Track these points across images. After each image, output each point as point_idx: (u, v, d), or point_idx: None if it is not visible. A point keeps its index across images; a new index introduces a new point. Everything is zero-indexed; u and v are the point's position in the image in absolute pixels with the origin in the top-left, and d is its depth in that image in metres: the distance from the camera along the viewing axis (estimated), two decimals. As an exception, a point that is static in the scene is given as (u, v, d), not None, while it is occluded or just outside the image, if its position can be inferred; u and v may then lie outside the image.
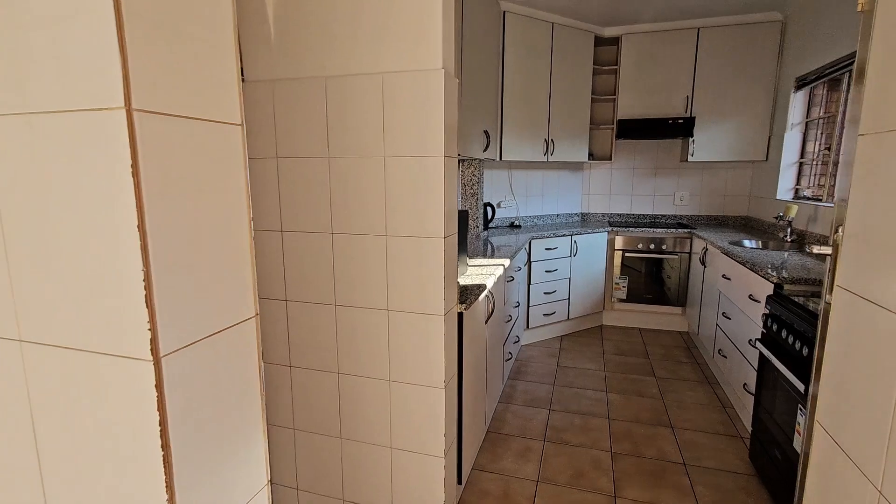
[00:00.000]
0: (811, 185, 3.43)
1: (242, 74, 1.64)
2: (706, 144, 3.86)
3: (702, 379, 3.08)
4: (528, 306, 3.57)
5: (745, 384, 2.42)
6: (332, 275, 1.58)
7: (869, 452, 0.85)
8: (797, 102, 3.48)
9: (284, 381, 1.72)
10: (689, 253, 3.79)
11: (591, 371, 3.20)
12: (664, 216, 4.36)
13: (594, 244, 3.86)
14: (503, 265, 2.39)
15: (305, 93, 1.50)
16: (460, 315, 1.69)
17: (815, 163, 3.42)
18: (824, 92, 3.44)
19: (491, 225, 3.90)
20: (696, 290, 3.60)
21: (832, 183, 3.08)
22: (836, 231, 0.91)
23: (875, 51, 0.84)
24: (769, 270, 2.16)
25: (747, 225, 4.08)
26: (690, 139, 3.86)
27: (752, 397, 2.25)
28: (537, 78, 3.64)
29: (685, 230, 3.78)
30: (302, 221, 1.58)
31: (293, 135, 1.54)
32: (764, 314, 2.05)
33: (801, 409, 1.71)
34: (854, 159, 1.15)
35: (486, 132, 2.87)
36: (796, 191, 3.53)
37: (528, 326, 3.62)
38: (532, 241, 3.48)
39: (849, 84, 3.15)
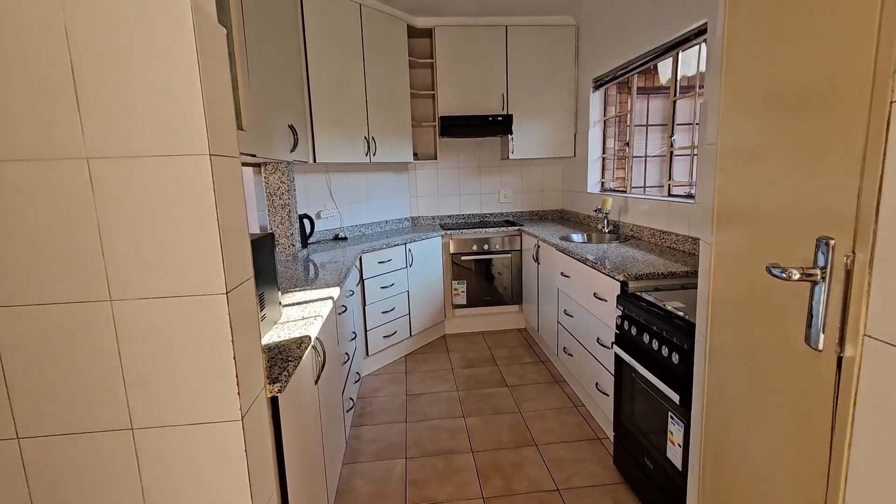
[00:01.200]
0: (614, 178, 3.72)
1: None
2: (523, 142, 3.90)
3: (549, 379, 3.03)
4: (366, 331, 3.07)
5: (597, 383, 2.36)
6: (3, 383, 0.83)
7: None
8: (595, 102, 3.73)
9: None
10: (521, 250, 3.78)
11: (444, 394, 2.87)
12: (492, 214, 4.33)
13: (429, 250, 3.56)
14: (332, 297, 1.84)
15: None
16: (274, 400, 1.10)
17: (615, 157, 3.72)
18: (616, 93, 3.76)
19: (311, 240, 3.27)
20: (531, 288, 3.59)
21: (632, 175, 3.34)
22: (826, 246, 0.64)
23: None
24: (612, 268, 2.09)
25: (564, 217, 4.30)
26: (510, 137, 3.85)
27: (609, 398, 2.18)
28: (350, 67, 3.14)
29: (514, 228, 3.76)
30: (-87, 291, 0.78)
31: None
32: (618, 315, 1.95)
33: (672, 418, 1.60)
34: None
35: (291, 127, 2.26)
36: (602, 184, 3.80)
37: (367, 354, 3.12)
38: (363, 256, 2.98)
39: (677, 83, 3.40)
